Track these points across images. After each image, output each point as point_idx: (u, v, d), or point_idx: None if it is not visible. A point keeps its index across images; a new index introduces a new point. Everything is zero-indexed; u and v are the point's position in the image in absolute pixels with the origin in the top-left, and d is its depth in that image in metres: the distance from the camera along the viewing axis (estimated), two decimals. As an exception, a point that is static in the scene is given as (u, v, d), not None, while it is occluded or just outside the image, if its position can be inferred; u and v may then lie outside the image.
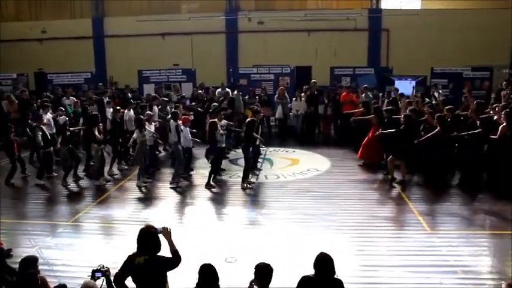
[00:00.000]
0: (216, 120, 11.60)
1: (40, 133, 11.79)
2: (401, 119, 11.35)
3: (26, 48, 23.12)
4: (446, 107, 11.99)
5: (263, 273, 4.63)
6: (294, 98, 17.06)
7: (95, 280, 4.69)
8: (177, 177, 11.48)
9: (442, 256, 7.46)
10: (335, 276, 4.63)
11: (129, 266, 4.60)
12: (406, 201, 10.18)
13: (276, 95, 17.03)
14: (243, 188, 11.16)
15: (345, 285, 4.67)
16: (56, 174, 12.35)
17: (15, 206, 10.58)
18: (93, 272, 4.77)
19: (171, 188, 11.34)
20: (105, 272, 4.77)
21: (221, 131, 11.42)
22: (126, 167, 13.18)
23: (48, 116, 13.35)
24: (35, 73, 22.29)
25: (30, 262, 5.42)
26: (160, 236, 4.68)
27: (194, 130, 12.66)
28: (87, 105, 14.66)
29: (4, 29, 23.33)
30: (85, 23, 23.36)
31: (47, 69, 21.79)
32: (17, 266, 6.02)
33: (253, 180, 11.68)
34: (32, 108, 14.23)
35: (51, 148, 12.09)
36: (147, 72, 19.91)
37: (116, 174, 12.65)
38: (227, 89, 17.60)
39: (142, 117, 11.87)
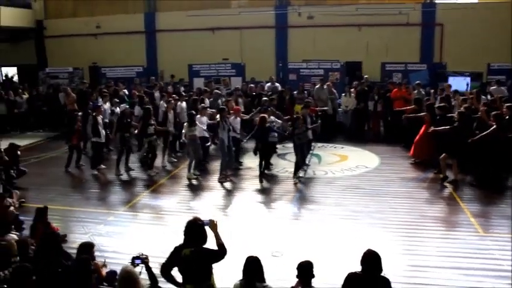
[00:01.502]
0: (266, 115, 11.69)
1: (91, 123, 12.18)
2: (455, 116, 11.00)
3: (82, 43, 23.88)
4: (506, 105, 11.49)
5: (304, 271, 4.63)
6: (343, 94, 16.87)
7: (135, 267, 4.82)
8: (223, 171, 11.58)
9: (495, 260, 7.18)
10: (382, 274, 4.56)
11: (176, 257, 4.69)
12: (458, 201, 9.87)
13: (325, 91, 16.83)
14: (295, 183, 11.23)
15: (391, 284, 4.59)
16: (104, 167, 12.70)
17: (70, 194, 11.01)
18: (133, 259, 4.90)
19: (219, 182, 11.48)
20: (144, 259, 4.89)
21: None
22: (175, 160, 13.45)
23: (106, 106, 13.89)
24: (90, 67, 23.10)
25: (86, 248, 5.65)
26: (207, 229, 4.74)
27: (246, 117, 13.03)
28: (143, 96, 15.04)
29: (62, 25, 24.32)
30: (137, 18, 23.85)
31: (100, 63, 22.53)
32: (71, 251, 6.33)
33: (301, 174, 11.67)
34: (92, 99, 14.77)
35: (102, 139, 12.50)
36: (197, 66, 20.20)
37: (166, 166, 12.93)
38: (276, 84, 17.65)
39: (193, 112, 12.05)
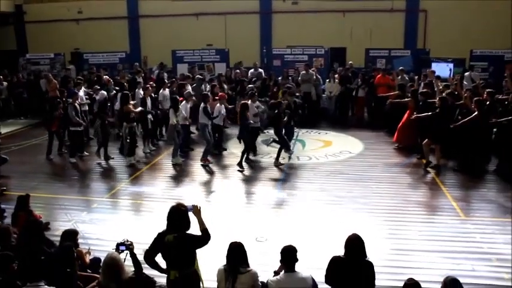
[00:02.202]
0: (247, 101, 11.64)
1: (73, 112, 11.93)
2: (437, 102, 11.08)
3: (64, 28, 23.48)
4: (487, 90, 11.60)
5: (287, 255, 4.66)
6: (327, 80, 16.88)
7: (119, 253, 4.80)
8: (206, 155, 11.65)
9: (476, 243, 7.31)
10: (366, 259, 4.61)
11: (159, 243, 4.67)
12: (440, 186, 9.98)
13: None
14: (276, 165, 11.34)
15: (375, 267, 4.65)
16: (87, 154, 12.57)
17: (53, 182, 10.89)
18: (118, 245, 4.89)
19: (201, 165, 11.54)
20: (128, 246, 4.87)
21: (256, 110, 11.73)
22: (153, 148, 13.21)
23: (81, 94, 13.59)
24: (72, 53, 22.76)
25: (70, 235, 5.63)
26: (191, 214, 4.72)
27: (231, 106, 13.14)
28: (124, 83, 14.80)
29: (43, 9, 23.86)
30: (120, 3, 23.47)
31: (83, 49, 22.20)
32: (54, 238, 6.29)
33: (282, 161, 11.63)
34: (68, 86, 14.50)
35: (81, 127, 12.28)
36: (180, 52, 20.05)
37: (149, 152, 12.85)
38: (260, 70, 17.58)
39: (177, 97, 11.94)
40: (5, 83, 18.25)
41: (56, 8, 23.72)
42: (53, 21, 23.45)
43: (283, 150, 11.64)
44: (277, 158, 11.48)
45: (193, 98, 12.71)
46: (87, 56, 21.22)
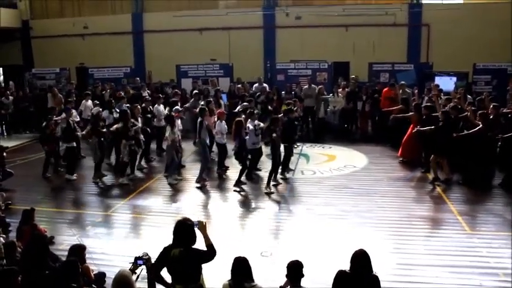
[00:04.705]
0: (241, 119, 11.17)
1: (64, 125, 11.74)
2: (440, 116, 11.08)
3: (69, 43, 23.72)
4: (492, 104, 11.60)
5: (293, 270, 4.64)
6: (331, 94, 16.91)
7: (137, 267, 4.77)
8: (202, 175, 11.10)
9: (482, 257, 7.26)
10: (372, 273, 4.58)
11: (165, 258, 4.65)
12: (445, 200, 9.95)
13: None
14: (266, 193, 10.52)
15: (381, 282, 4.62)
16: (75, 178, 11.92)
17: (57, 196, 10.92)
18: (136, 259, 4.85)
19: (196, 188, 11.02)
20: (146, 261, 4.84)
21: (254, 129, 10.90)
22: (145, 166, 12.89)
23: (75, 112, 13.31)
24: (77, 67, 22.93)
25: (77, 250, 5.64)
26: (196, 230, 4.71)
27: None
28: (110, 100, 14.09)
29: (49, 25, 24.16)
30: (125, 18, 23.73)
31: (88, 64, 22.36)
32: (58, 252, 6.30)
33: (273, 190, 10.72)
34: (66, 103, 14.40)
35: (74, 144, 12.03)
36: (185, 66, 20.13)
37: (146, 168, 12.73)
38: (264, 84, 17.63)
39: (173, 113, 11.68)
40: (10, 97, 18.37)
41: (61, 24, 24.00)
42: (59, 37, 23.72)
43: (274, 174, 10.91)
44: (267, 183, 10.71)
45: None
46: (92, 71, 21.32)
